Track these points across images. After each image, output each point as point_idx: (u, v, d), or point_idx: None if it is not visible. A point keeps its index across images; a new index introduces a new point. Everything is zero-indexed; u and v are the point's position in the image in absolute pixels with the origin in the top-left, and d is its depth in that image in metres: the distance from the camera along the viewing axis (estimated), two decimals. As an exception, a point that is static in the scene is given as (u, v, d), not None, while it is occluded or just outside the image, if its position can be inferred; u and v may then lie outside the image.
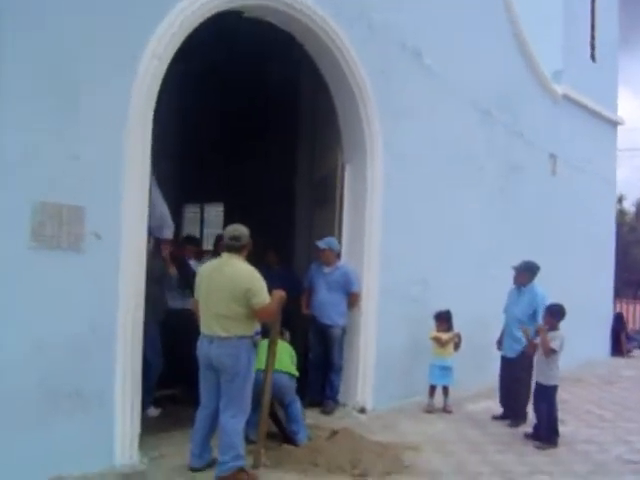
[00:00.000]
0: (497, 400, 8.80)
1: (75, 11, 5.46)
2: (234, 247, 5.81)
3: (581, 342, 12.55)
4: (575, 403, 9.86)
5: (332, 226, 8.76)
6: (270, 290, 5.84)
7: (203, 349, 5.72)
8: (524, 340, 8.07)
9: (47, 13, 5.31)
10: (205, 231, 15.33)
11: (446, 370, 8.75)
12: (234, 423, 5.65)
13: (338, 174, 8.74)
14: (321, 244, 8.29)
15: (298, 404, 6.76)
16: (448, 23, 9.77)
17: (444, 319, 8.82)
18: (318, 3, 7.56)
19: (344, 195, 8.63)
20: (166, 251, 7.88)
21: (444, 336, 8.72)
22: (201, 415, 5.88)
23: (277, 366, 6.32)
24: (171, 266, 8.11)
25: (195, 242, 9.95)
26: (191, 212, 15.70)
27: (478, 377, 9.97)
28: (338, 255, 8.42)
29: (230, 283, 5.62)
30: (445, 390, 8.83)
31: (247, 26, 7.64)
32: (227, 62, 10.39)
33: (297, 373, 6.84)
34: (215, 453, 5.78)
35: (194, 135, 12.49)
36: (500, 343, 8.80)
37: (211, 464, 5.82)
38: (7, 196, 5.10)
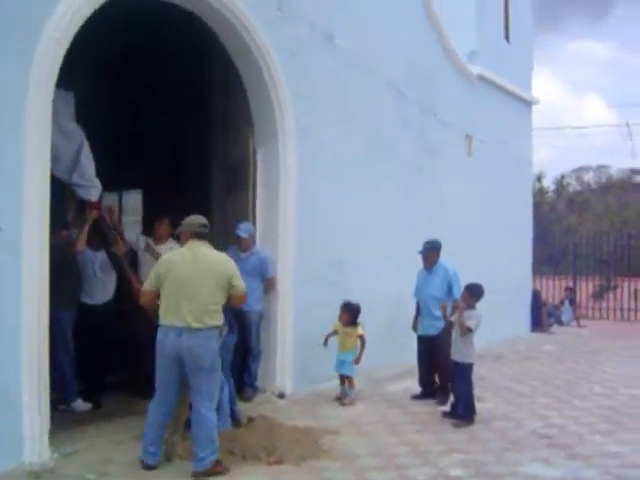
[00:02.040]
0: (417, 379, 8.86)
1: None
2: (203, 234, 5.82)
3: (501, 319, 12.79)
4: (494, 380, 10.00)
5: (246, 211, 8.68)
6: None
7: (169, 342, 5.53)
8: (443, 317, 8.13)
9: None
10: (124, 218, 15.05)
11: (344, 362, 8.39)
12: (212, 416, 5.60)
13: (251, 159, 8.65)
14: (242, 233, 8.17)
15: (225, 391, 6.51)
16: (359, 2, 9.72)
17: (349, 311, 8.40)
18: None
19: (257, 180, 8.53)
20: (96, 213, 7.71)
21: (341, 329, 8.41)
22: (159, 410, 5.72)
23: None
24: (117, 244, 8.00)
25: None
26: (109, 200, 15.37)
27: (398, 357, 10.00)
28: (253, 240, 8.34)
29: (214, 270, 5.60)
30: (345, 380, 8.44)
31: (154, 9, 7.44)
32: (135, 47, 10.12)
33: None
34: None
35: (109, 123, 12.20)
36: (415, 325, 8.86)
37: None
38: None
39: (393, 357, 9.95)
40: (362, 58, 9.73)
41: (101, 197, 8.13)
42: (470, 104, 13.15)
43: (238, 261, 8.15)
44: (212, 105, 10.61)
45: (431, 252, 8.68)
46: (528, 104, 15.97)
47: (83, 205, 7.84)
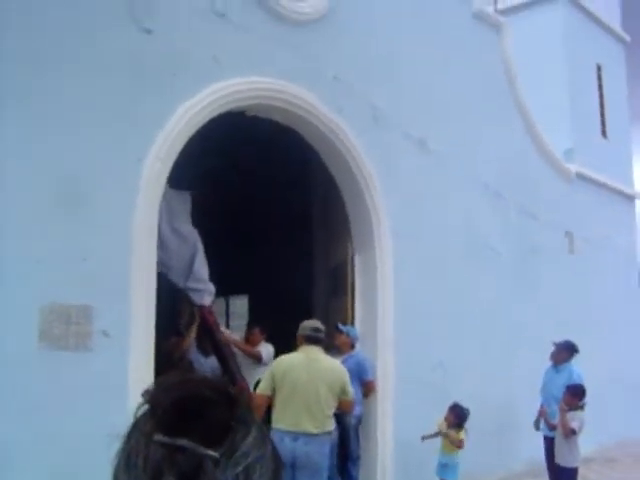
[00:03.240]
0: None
1: (79, 120, 5.75)
2: (316, 338, 5.91)
3: (614, 419, 12.29)
4: (606, 485, 9.61)
5: (346, 315, 8.81)
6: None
7: (284, 446, 5.50)
8: None
9: (49, 124, 5.60)
10: (230, 323, 15.43)
11: (451, 467, 8.01)
12: None
13: (349, 264, 8.85)
14: (341, 327, 8.31)
15: None
16: (452, 107, 9.96)
17: (456, 413, 8.00)
18: (320, 99, 7.83)
19: (355, 284, 8.71)
20: (210, 318, 7.93)
21: (443, 430, 8.32)
22: None
23: None
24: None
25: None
26: (216, 305, 15.83)
27: (503, 462, 9.75)
28: (352, 345, 8.41)
29: (330, 376, 5.71)
30: None
31: (253, 125, 7.90)
32: (240, 158, 10.66)
33: None
34: None
35: (215, 229, 12.72)
36: (537, 423, 8.54)
37: None
38: (16, 296, 5.27)
39: (496, 464, 9.69)
40: (457, 162, 9.90)
41: (212, 302, 8.36)
42: (569, 202, 13.05)
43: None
44: (313, 212, 10.96)
45: (562, 350, 8.56)
46: (631, 199, 15.74)
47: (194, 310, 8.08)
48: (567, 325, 11.56)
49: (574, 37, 14.23)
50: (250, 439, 0.98)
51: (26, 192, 5.46)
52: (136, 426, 1.01)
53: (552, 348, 8.61)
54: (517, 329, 10.61)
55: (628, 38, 16.19)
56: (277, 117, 7.77)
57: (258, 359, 8.28)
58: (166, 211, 7.44)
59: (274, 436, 5.65)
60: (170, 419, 0.97)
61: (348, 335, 8.28)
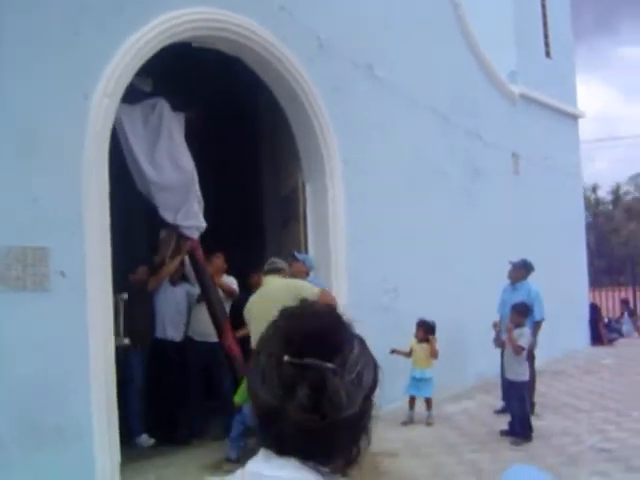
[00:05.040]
0: (476, 400, 8.96)
1: (25, 58, 5.63)
2: (272, 269, 6.32)
3: (560, 334, 12.77)
4: (553, 396, 10.04)
5: (299, 244, 8.91)
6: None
7: None
8: None
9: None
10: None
11: (424, 381, 8.59)
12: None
13: (300, 193, 8.92)
14: (297, 255, 8.38)
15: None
16: (398, 33, 9.96)
17: (424, 327, 8.66)
18: (266, 27, 7.76)
19: (307, 213, 8.80)
20: (198, 252, 7.80)
21: (416, 346, 8.64)
22: None
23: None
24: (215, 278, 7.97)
25: None
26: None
27: (455, 379, 10.11)
28: (307, 273, 8.52)
29: (282, 293, 5.68)
30: (427, 402, 8.63)
31: (198, 55, 7.80)
32: (184, 90, 10.50)
33: None
34: None
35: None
36: (498, 340, 8.66)
37: None
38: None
39: (450, 380, 10.03)
40: (404, 87, 9.95)
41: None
42: (514, 123, 13.26)
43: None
44: (261, 142, 10.92)
45: (519, 268, 8.83)
46: (574, 118, 15.98)
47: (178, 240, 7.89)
48: (514, 244, 11.88)
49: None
50: (356, 351, 1.26)
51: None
52: (265, 349, 1.26)
53: (508, 267, 8.87)
54: (466, 249, 10.86)
55: (571, -45, 16.19)
56: (223, 47, 7.68)
57: (232, 294, 8.26)
58: (166, 136, 7.26)
59: None
60: (299, 344, 1.21)
61: (304, 263, 8.37)
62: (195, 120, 7.99)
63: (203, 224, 7.78)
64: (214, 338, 7.88)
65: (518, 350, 7.63)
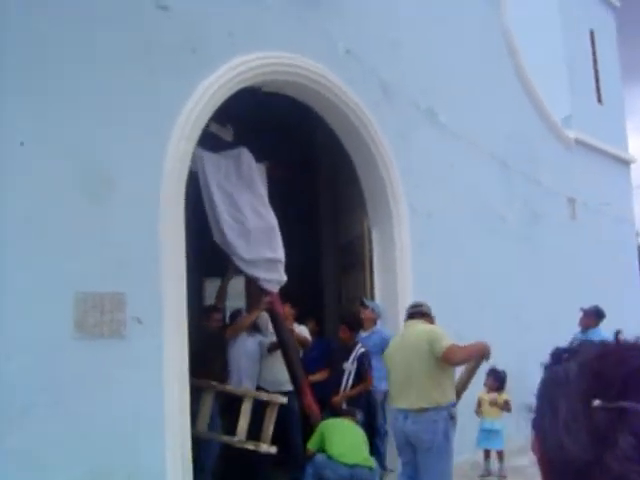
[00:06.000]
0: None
1: (101, 102, 5.58)
2: (414, 314, 5.92)
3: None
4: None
5: (363, 290, 8.73)
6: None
7: (398, 426, 5.57)
8: None
9: (66, 109, 5.43)
10: (227, 304, 15.27)
11: (494, 433, 8.35)
12: None
13: (365, 238, 8.75)
14: (367, 302, 8.21)
15: None
16: (457, 78, 9.90)
17: (494, 376, 8.42)
18: (331, 71, 7.70)
19: (373, 259, 8.62)
20: (277, 306, 7.61)
21: (487, 397, 8.41)
22: None
23: (354, 458, 6.21)
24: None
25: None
26: (213, 285, 15.64)
27: (520, 432, 9.74)
28: (375, 321, 8.33)
29: (414, 342, 5.54)
30: (499, 454, 8.40)
31: (263, 100, 7.75)
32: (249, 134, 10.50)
33: (374, 464, 6.63)
34: None
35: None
36: None
37: None
38: (50, 287, 5.14)
39: (516, 432, 9.69)
40: (464, 132, 9.84)
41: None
42: (570, 168, 13.08)
43: (359, 340, 8.23)
44: (319, 189, 10.84)
45: (590, 315, 8.62)
46: (626, 163, 15.77)
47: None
48: (570, 291, 11.61)
49: (568, 3, 14.15)
50: None
51: (51, 182, 5.28)
52: (564, 394, 1.06)
53: (580, 314, 8.63)
54: (528, 296, 10.62)
55: (618, 3, 16.15)
56: (292, 92, 7.64)
57: (305, 345, 8.07)
58: (250, 187, 7.15)
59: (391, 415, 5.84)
60: (615, 387, 1.00)
61: (373, 310, 8.19)
62: (272, 170, 7.88)
63: (284, 278, 7.56)
64: (288, 386, 7.67)
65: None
